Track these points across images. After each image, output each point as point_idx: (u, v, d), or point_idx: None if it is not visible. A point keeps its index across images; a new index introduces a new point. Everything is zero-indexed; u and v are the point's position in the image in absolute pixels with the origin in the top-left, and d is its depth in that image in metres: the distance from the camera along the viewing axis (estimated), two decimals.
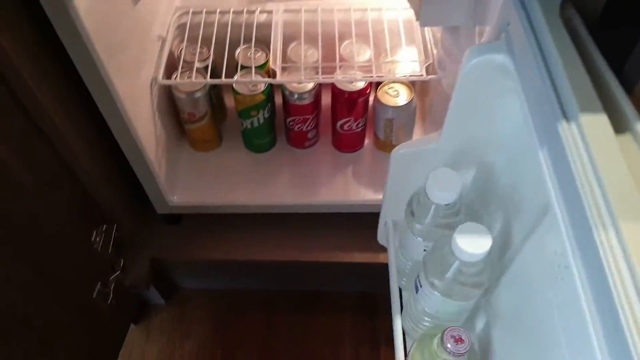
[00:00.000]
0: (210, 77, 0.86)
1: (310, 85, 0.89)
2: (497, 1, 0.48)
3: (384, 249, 0.74)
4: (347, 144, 1.00)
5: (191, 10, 0.91)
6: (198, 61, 0.87)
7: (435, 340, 0.49)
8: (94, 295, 0.86)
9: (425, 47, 0.86)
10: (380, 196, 0.75)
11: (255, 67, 0.87)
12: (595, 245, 0.30)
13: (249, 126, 0.95)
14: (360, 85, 0.87)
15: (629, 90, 0.37)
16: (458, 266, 0.49)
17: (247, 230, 1.03)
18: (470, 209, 0.56)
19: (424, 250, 0.58)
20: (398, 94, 0.89)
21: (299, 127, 0.96)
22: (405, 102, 0.88)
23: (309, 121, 0.95)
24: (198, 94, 0.88)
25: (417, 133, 0.99)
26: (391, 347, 0.61)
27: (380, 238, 0.77)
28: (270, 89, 0.91)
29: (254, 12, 0.91)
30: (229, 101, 1.01)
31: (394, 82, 0.90)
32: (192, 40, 0.89)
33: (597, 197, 0.31)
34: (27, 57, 0.65)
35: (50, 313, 0.77)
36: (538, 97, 0.38)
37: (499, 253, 0.55)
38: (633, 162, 0.32)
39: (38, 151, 0.73)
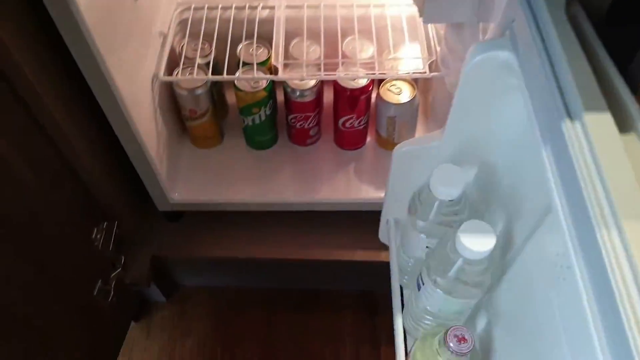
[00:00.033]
0: (212, 74, 0.86)
1: (312, 83, 0.89)
2: None
3: (385, 247, 0.74)
4: (349, 141, 1.00)
5: (193, 6, 0.91)
6: (199, 57, 0.87)
7: (437, 339, 0.48)
8: (95, 293, 0.86)
9: (428, 44, 0.85)
10: (381, 194, 0.75)
11: (257, 64, 0.86)
12: (598, 245, 0.29)
13: (250, 123, 0.95)
14: (363, 82, 0.87)
15: (634, 89, 0.37)
16: (461, 264, 0.49)
17: (248, 228, 1.03)
18: (472, 208, 0.56)
19: (427, 247, 0.58)
20: (401, 91, 0.89)
21: (300, 125, 0.96)
22: (408, 100, 0.88)
23: (311, 118, 0.95)
24: (199, 91, 0.88)
25: (419, 131, 0.99)
26: (392, 346, 0.60)
27: (382, 236, 0.77)
28: (272, 86, 0.91)
29: (256, 8, 0.91)
30: (231, 98, 1.01)
31: (396, 79, 0.89)
32: (194, 36, 0.88)
33: (600, 196, 0.31)
34: (28, 53, 0.65)
35: (50, 311, 0.77)
36: (542, 95, 0.37)
37: (501, 253, 0.54)
38: (637, 161, 0.32)
39: (38, 148, 0.72)
